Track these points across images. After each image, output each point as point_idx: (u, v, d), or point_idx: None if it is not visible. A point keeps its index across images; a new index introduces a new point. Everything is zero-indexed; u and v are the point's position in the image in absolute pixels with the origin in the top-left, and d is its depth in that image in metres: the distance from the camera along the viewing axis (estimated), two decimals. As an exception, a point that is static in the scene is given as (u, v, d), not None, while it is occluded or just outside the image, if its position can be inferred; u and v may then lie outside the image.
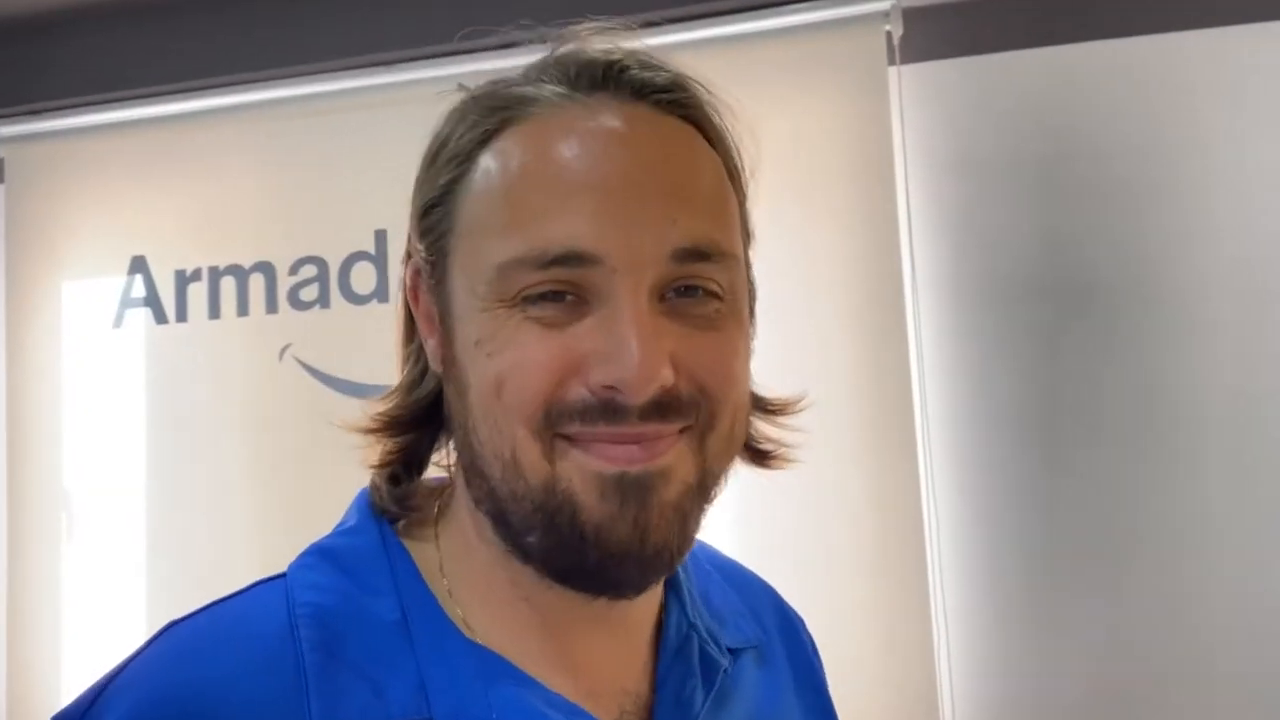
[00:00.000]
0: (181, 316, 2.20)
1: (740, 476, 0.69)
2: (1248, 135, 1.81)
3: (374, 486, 0.70)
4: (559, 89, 0.63)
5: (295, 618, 0.62)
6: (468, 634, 0.64)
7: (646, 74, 0.64)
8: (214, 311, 2.19)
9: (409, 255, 0.69)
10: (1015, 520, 1.83)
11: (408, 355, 0.71)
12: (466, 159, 0.64)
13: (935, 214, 1.89)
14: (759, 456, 0.73)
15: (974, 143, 1.89)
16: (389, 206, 2.09)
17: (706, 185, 0.64)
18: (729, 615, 0.77)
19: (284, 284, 2.16)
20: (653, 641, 0.71)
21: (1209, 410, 1.78)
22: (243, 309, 2.17)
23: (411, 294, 0.69)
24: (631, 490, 0.60)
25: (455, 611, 0.65)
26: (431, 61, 2.09)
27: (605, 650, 0.68)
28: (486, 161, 0.63)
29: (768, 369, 0.71)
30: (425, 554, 0.68)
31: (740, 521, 1.72)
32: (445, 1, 2.10)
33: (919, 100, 1.90)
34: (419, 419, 0.70)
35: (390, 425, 0.70)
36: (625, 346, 0.58)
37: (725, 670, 0.71)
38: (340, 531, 0.69)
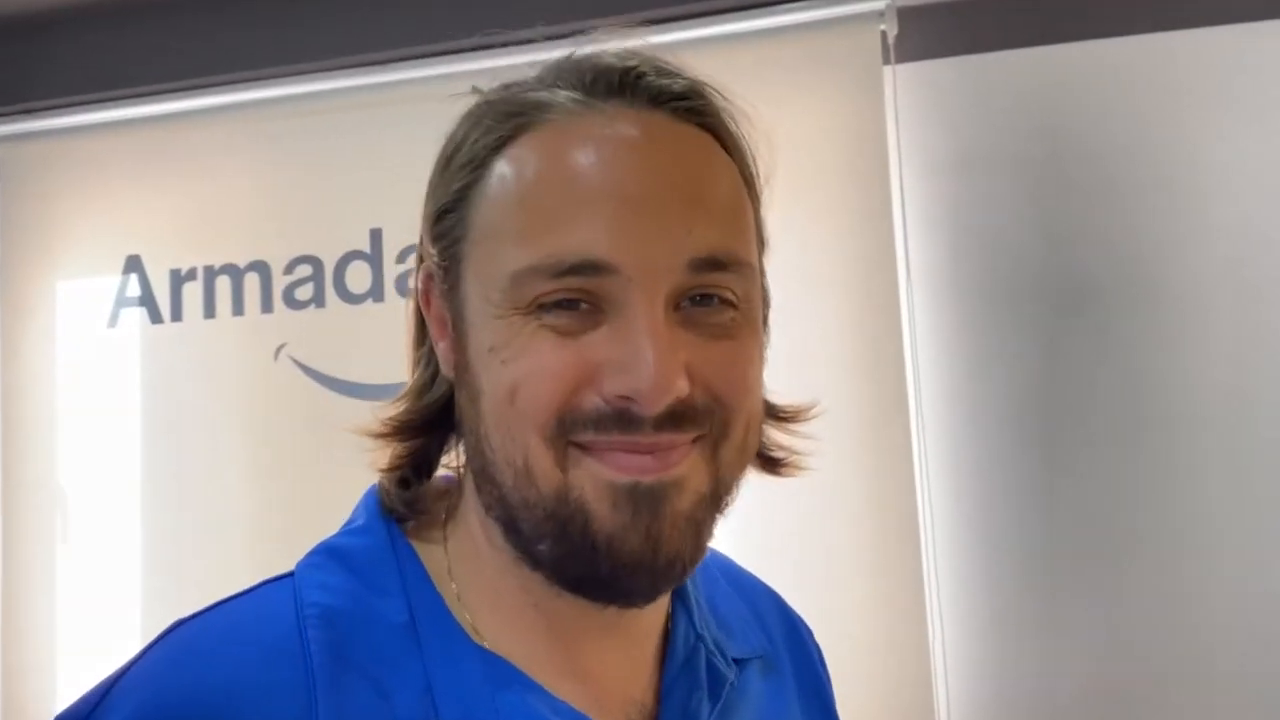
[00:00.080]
0: (177, 316, 2.20)
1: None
2: (1242, 134, 1.81)
3: (383, 487, 0.70)
4: (574, 95, 0.63)
5: (303, 618, 0.62)
6: (475, 639, 0.64)
7: (663, 81, 0.64)
8: (209, 311, 2.19)
9: (421, 259, 0.69)
10: (1010, 520, 1.83)
11: (418, 359, 0.71)
12: (481, 165, 0.63)
13: (930, 213, 1.89)
14: (771, 464, 0.73)
15: (969, 142, 1.89)
16: (384, 206, 2.10)
17: (723, 194, 0.63)
18: (736, 624, 0.77)
19: (279, 283, 2.15)
20: (659, 651, 0.70)
21: (1205, 410, 1.78)
22: (238, 308, 2.17)
23: (423, 298, 0.69)
24: (645, 501, 0.59)
25: (464, 616, 0.65)
26: (427, 61, 2.09)
27: (613, 659, 0.68)
28: (501, 168, 0.62)
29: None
30: (433, 556, 0.67)
31: (734, 521, 1.71)
32: (441, 1, 2.10)
33: (914, 99, 1.90)
34: (429, 423, 0.70)
35: (400, 430, 0.70)
36: (641, 357, 0.58)
37: (731, 684, 0.71)
38: (348, 531, 0.69)
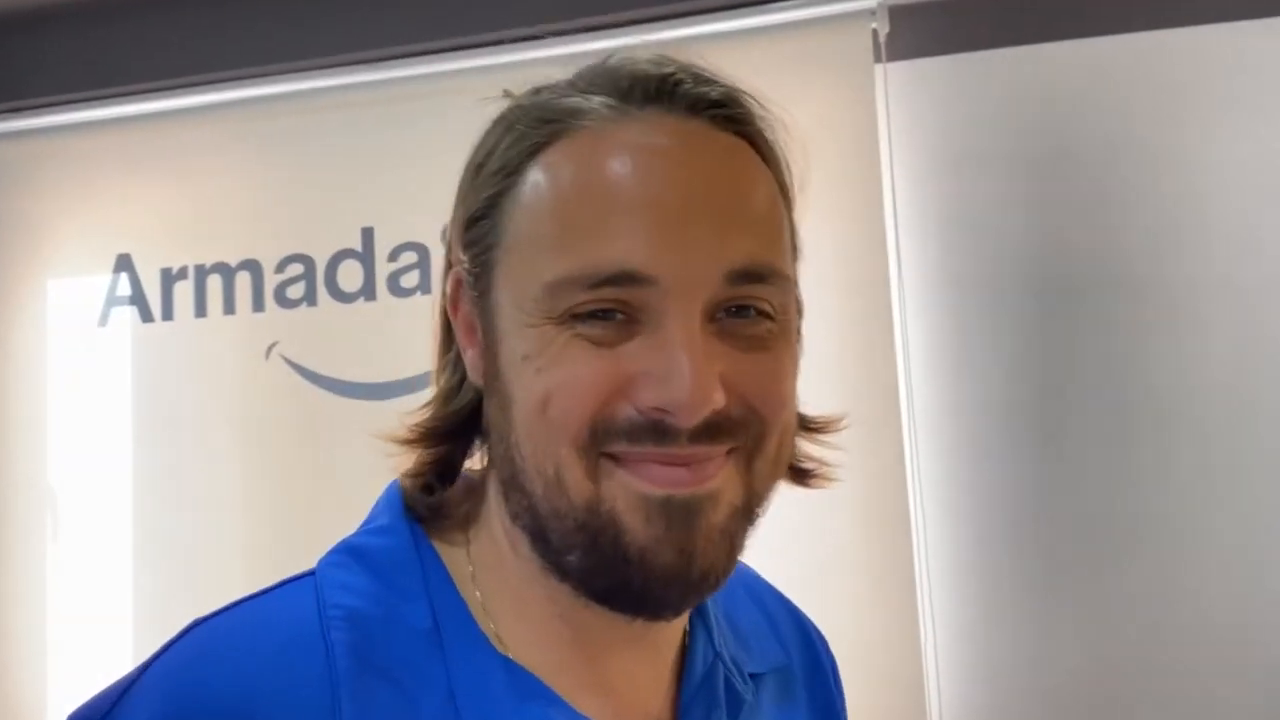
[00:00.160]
0: (168, 315, 2.20)
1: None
2: (1233, 132, 1.81)
3: (406, 489, 0.68)
4: (610, 101, 0.62)
5: (326, 619, 0.61)
6: (499, 648, 0.63)
7: (701, 88, 0.62)
8: (200, 310, 2.18)
9: (449, 264, 0.68)
10: (1002, 519, 1.83)
11: (444, 365, 0.70)
12: (514, 171, 0.62)
13: (922, 211, 1.89)
14: (800, 475, 0.73)
15: (961, 140, 1.90)
16: (376, 204, 2.10)
17: (760, 204, 0.62)
18: (753, 637, 0.76)
19: (271, 282, 2.15)
20: (676, 665, 0.70)
21: (1199, 408, 1.79)
22: (229, 307, 2.17)
23: (451, 304, 0.68)
24: (678, 514, 0.59)
25: (487, 624, 0.64)
26: (418, 60, 2.09)
27: (636, 672, 0.67)
28: (535, 175, 0.61)
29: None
30: (456, 560, 0.66)
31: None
32: (432, 0, 2.10)
33: (905, 97, 1.91)
34: (455, 430, 0.69)
35: (427, 436, 0.69)
36: (677, 369, 0.57)
37: (749, 704, 0.71)
38: (371, 530, 0.68)
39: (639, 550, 0.59)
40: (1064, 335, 1.83)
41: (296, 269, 2.14)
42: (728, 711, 0.69)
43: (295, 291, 2.14)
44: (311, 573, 0.65)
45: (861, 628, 1.79)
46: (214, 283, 2.18)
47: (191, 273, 2.19)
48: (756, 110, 0.65)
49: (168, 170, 2.21)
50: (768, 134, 0.65)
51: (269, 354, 2.13)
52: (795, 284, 0.65)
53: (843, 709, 0.85)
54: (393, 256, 2.09)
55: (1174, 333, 1.80)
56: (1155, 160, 1.83)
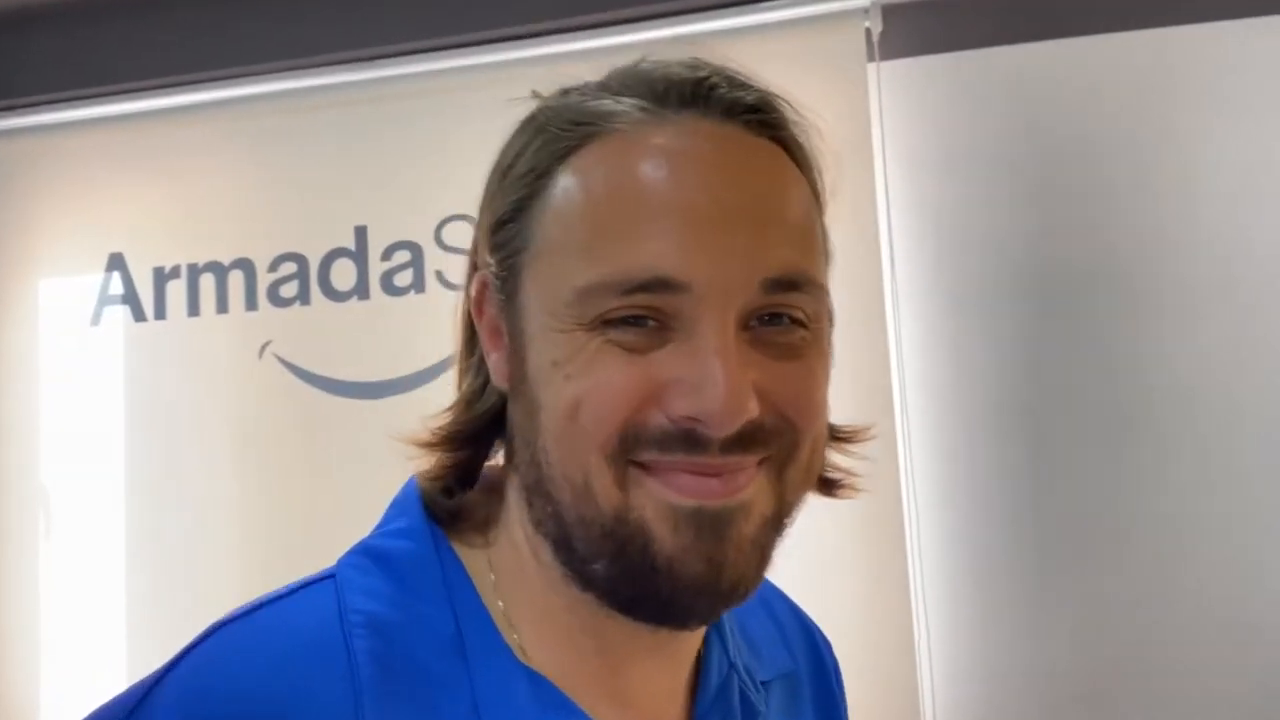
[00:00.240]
0: (160, 314, 2.19)
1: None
2: (1227, 130, 1.81)
3: (425, 490, 0.67)
4: (643, 103, 0.60)
5: (349, 625, 0.60)
6: (521, 658, 0.63)
7: (736, 93, 0.62)
8: (193, 309, 2.18)
9: (474, 267, 0.67)
10: (996, 519, 1.84)
11: (467, 368, 0.69)
12: (543, 174, 0.61)
13: (915, 210, 1.89)
14: (827, 485, 0.72)
15: (953, 139, 1.90)
16: (369, 203, 2.10)
17: (796, 211, 0.61)
18: (764, 644, 0.76)
19: (264, 281, 2.15)
20: (691, 676, 0.69)
21: (1192, 408, 1.79)
22: (222, 306, 2.16)
23: (476, 307, 0.66)
24: (708, 526, 0.58)
25: (510, 634, 0.64)
26: (412, 57, 2.09)
27: (656, 682, 0.67)
28: (566, 178, 0.60)
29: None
30: (477, 565, 0.65)
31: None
32: (425, -3, 2.10)
33: (898, 97, 1.91)
34: (477, 434, 0.68)
35: (449, 440, 0.67)
36: (711, 378, 0.56)
37: (762, 714, 0.70)
38: (391, 531, 0.66)
39: (667, 560, 0.58)
40: (1057, 334, 1.84)
41: (290, 268, 2.14)
42: None
43: (288, 290, 2.14)
44: (331, 575, 0.64)
45: (855, 628, 1.79)
46: (207, 282, 2.17)
47: (184, 272, 2.18)
48: (790, 115, 0.64)
49: (160, 169, 2.21)
50: (801, 139, 0.64)
51: (262, 353, 2.13)
52: (828, 292, 0.64)
53: (844, 710, 0.85)
54: (386, 255, 2.09)
55: (1167, 331, 1.80)
56: (1148, 159, 1.84)
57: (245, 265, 2.16)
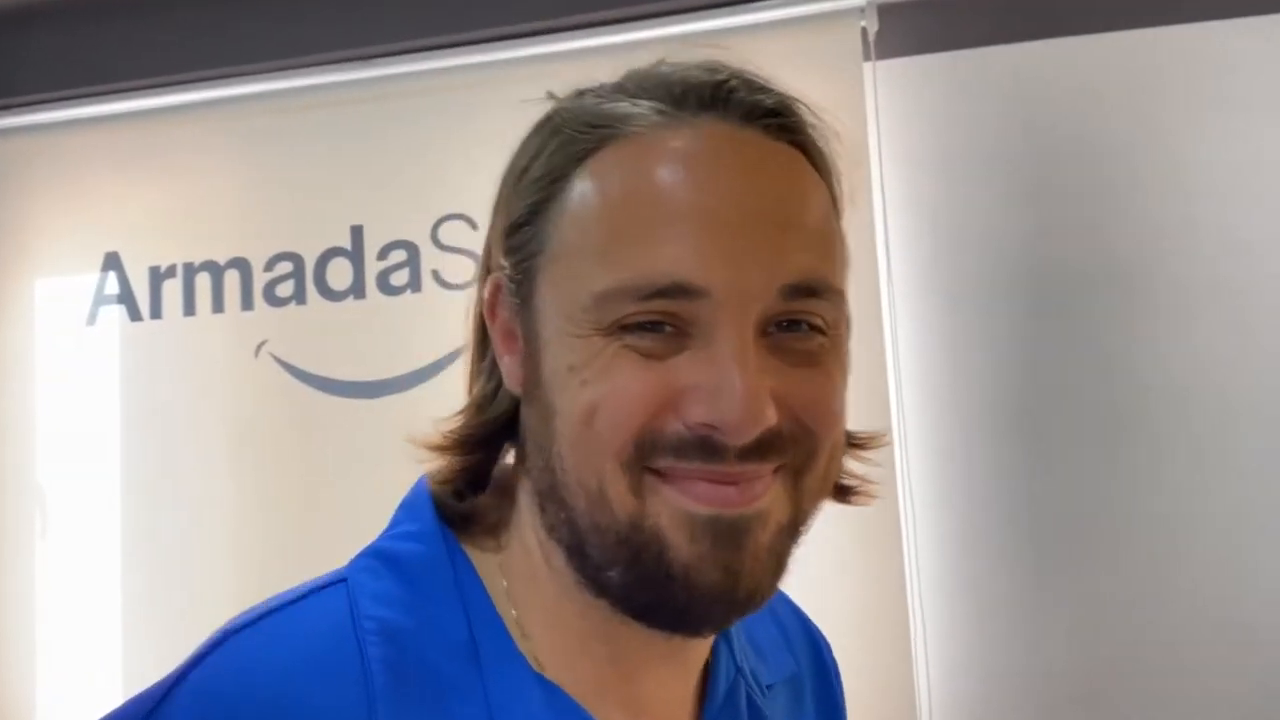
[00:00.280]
0: (156, 313, 2.19)
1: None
2: (1223, 129, 1.81)
3: (435, 493, 0.67)
4: (660, 106, 0.60)
5: (362, 632, 0.60)
6: (535, 666, 0.62)
7: (756, 96, 0.61)
8: (189, 308, 2.17)
9: (487, 270, 0.66)
10: (992, 517, 1.84)
11: (479, 371, 0.68)
12: (559, 177, 0.61)
13: (911, 209, 1.89)
14: (842, 492, 0.71)
15: (950, 139, 1.90)
16: (365, 202, 2.10)
17: (815, 216, 0.61)
18: (769, 648, 0.76)
19: (260, 280, 2.14)
20: (699, 682, 0.69)
21: (1188, 407, 1.79)
22: (218, 305, 2.16)
23: (489, 310, 0.66)
24: (725, 534, 0.57)
25: (524, 642, 0.63)
26: (409, 57, 2.09)
27: (667, 689, 0.67)
28: (583, 182, 0.60)
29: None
30: (490, 570, 0.65)
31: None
32: (421, -4, 2.10)
33: (894, 96, 1.91)
34: (489, 437, 0.67)
35: (460, 444, 0.67)
36: (728, 385, 0.55)
37: (768, 719, 0.70)
38: (402, 534, 0.66)
39: (683, 567, 0.57)
40: (1054, 334, 1.84)
41: (285, 267, 2.14)
42: None
43: (284, 290, 2.14)
44: (343, 578, 0.64)
45: (852, 627, 1.78)
46: (203, 281, 2.17)
47: (180, 271, 2.18)
48: (809, 119, 0.63)
49: (156, 168, 2.21)
50: (820, 143, 0.64)
51: (258, 352, 2.13)
52: (846, 298, 0.64)
53: (844, 711, 0.85)
54: (382, 255, 2.09)
55: (1163, 331, 1.80)
56: (1144, 158, 1.84)
57: (241, 265, 2.15)
